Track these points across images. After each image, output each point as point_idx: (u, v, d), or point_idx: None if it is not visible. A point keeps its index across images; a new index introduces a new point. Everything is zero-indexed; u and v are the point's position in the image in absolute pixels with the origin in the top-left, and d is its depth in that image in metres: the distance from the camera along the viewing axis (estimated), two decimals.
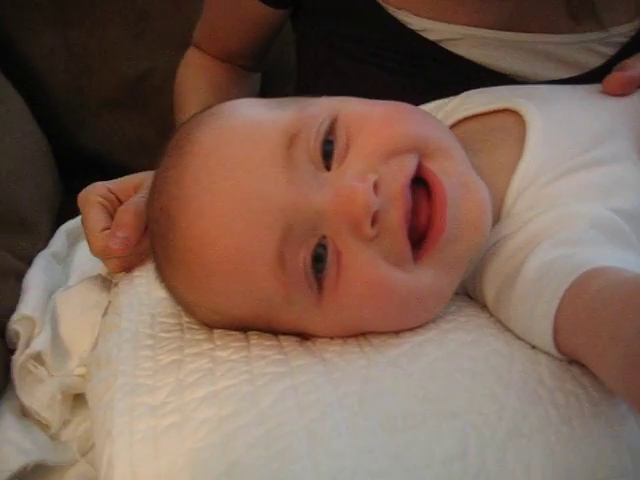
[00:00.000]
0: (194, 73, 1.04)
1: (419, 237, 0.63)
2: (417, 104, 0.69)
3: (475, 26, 0.84)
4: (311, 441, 0.54)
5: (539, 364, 0.59)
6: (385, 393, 0.58)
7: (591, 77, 0.81)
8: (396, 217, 0.61)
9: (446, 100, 0.79)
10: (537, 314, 0.58)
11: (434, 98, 0.80)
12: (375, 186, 0.60)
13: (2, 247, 0.88)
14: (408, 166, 0.62)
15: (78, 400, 0.75)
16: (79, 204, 0.85)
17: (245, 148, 0.63)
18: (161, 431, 0.59)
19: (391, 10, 0.86)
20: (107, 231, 0.81)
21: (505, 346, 0.61)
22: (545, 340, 0.57)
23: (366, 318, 0.64)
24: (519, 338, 0.62)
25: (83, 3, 1.11)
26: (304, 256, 0.61)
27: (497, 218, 0.68)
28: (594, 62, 0.84)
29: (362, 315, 0.63)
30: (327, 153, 0.63)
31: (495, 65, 0.84)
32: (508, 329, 0.64)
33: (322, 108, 0.65)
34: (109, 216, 0.83)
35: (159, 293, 0.77)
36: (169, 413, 0.60)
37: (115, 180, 0.87)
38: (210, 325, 0.71)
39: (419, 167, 0.63)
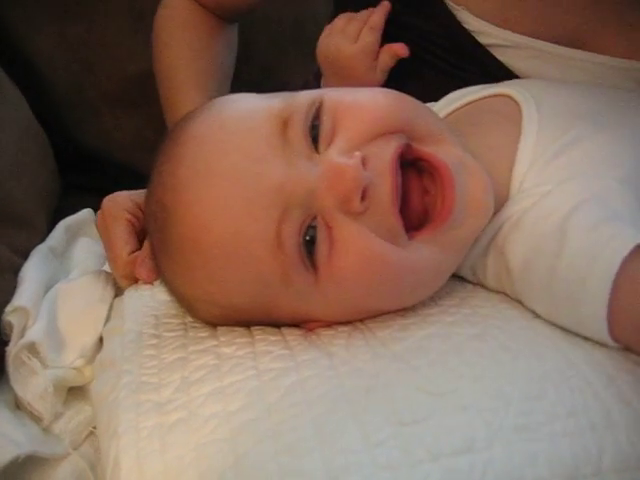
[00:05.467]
0: (179, 27, 1.01)
1: (416, 219, 0.64)
2: None
3: (534, 37, 0.82)
4: (320, 436, 0.55)
5: (544, 359, 0.59)
6: (392, 387, 0.58)
7: None
8: (386, 191, 0.61)
9: (431, 103, 0.79)
10: (591, 285, 0.58)
11: None
12: (363, 162, 0.61)
13: None
14: (395, 144, 0.63)
15: (71, 393, 0.76)
16: (104, 214, 0.84)
17: (240, 133, 0.63)
18: (168, 427, 0.59)
19: (450, 5, 0.85)
20: (135, 254, 0.80)
21: (511, 339, 0.61)
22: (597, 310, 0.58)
23: (362, 294, 0.64)
24: (524, 328, 0.63)
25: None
26: (299, 235, 0.62)
27: (504, 197, 0.69)
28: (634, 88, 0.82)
29: (358, 291, 0.63)
30: (314, 137, 0.63)
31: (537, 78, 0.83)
32: (514, 320, 0.64)
33: (309, 95, 0.66)
34: (135, 235, 0.82)
35: (163, 296, 0.77)
36: (175, 409, 0.61)
37: (140, 192, 0.83)
38: (212, 322, 0.71)
39: (414, 150, 0.64)
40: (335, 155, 0.62)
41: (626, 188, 0.64)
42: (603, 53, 0.81)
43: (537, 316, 0.65)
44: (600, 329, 0.58)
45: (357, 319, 0.67)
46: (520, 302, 0.67)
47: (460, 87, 0.80)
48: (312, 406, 0.57)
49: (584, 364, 0.58)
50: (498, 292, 0.70)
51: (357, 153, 0.61)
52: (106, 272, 0.88)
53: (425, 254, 0.63)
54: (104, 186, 1.02)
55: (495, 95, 0.76)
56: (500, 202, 0.68)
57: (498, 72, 0.83)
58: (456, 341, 0.62)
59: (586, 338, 0.61)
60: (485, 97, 0.76)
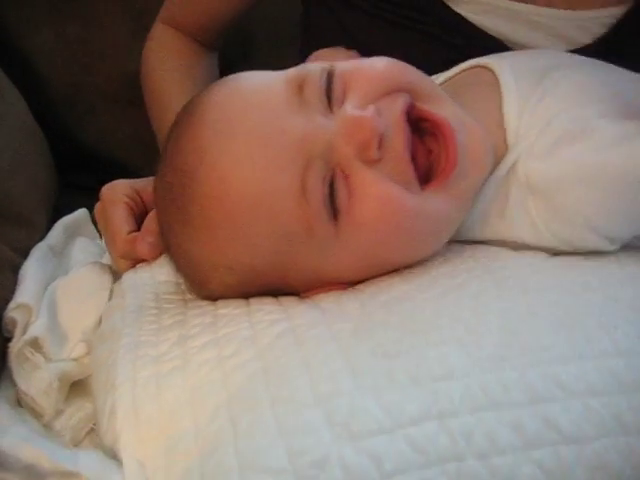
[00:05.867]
0: (166, 55, 1.05)
1: (423, 175, 0.67)
2: (418, 62, 0.73)
3: None
4: (308, 368, 0.57)
5: (518, 303, 0.62)
6: (376, 327, 0.61)
7: (581, 53, 0.85)
8: (399, 141, 0.66)
9: None
10: None
11: (436, 55, 0.85)
12: (377, 113, 0.65)
13: None
14: (402, 100, 0.68)
15: (72, 390, 0.76)
16: (104, 201, 0.87)
17: (258, 95, 0.68)
18: (164, 375, 0.62)
19: None
20: (134, 234, 0.83)
21: (493, 286, 0.65)
22: None
23: (380, 243, 0.66)
24: (509, 278, 0.66)
25: None
26: (322, 185, 0.65)
27: (504, 150, 0.73)
28: (585, 39, 0.87)
29: (376, 239, 0.66)
30: (329, 98, 0.68)
31: (494, 31, 0.88)
32: (499, 272, 0.67)
33: (319, 64, 0.71)
34: (134, 218, 0.85)
35: (162, 277, 0.80)
36: (171, 359, 0.63)
37: (139, 180, 0.88)
38: (221, 296, 0.72)
39: (417, 109, 0.68)
40: (350, 109, 0.66)
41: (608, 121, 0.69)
42: (549, 6, 0.86)
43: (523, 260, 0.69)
44: None
45: (370, 276, 0.70)
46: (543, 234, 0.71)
47: (423, 41, 0.85)
48: (301, 346, 0.60)
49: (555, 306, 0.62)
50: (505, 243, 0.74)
51: (371, 106, 0.66)
52: (102, 263, 0.90)
53: (437, 203, 0.67)
54: (102, 185, 1.03)
55: (466, 69, 0.81)
56: (501, 156, 0.72)
57: (456, 25, 0.88)
58: (439, 290, 0.65)
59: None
60: (457, 73, 0.81)
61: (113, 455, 0.60)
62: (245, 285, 0.71)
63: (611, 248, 0.70)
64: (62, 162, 1.13)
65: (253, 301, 0.70)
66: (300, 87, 0.68)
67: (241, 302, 0.70)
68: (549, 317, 0.60)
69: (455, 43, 0.86)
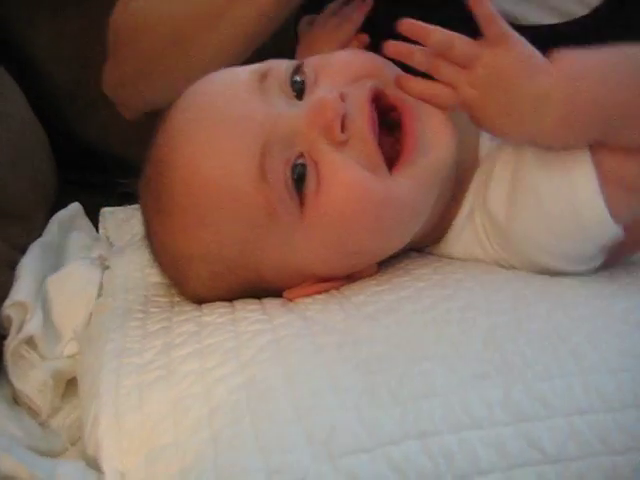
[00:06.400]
0: None
1: (390, 161, 0.68)
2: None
3: None
4: (290, 383, 0.57)
5: (507, 318, 0.62)
6: (361, 342, 0.60)
7: (576, 24, 0.85)
8: (363, 122, 0.67)
9: None
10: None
11: None
12: (341, 97, 0.67)
13: None
14: (370, 84, 0.69)
15: (69, 388, 0.76)
16: None
17: (224, 84, 0.71)
18: (147, 385, 0.61)
19: None
20: None
21: (482, 298, 0.64)
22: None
23: (346, 230, 0.67)
24: (500, 291, 0.66)
25: None
26: (284, 169, 0.66)
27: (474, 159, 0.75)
28: (580, 11, 0.86)
29: (342, 225, 0.67)
30: (299, 90, 0.70)
31: None
32: (485, 282, 0.67)
33: (285, 60, 0.73)
34: None
35: (153, 279, 0.80)
36: (155, 369, 0.63)
37: None
38: (201, 294, 0.73)
39: (384, 95, 0.70)
40: (316, 95, 0.68)
41: None
42: None
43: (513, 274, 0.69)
44: (598, 205, 0.65)
45: (339, 267, 0.71)
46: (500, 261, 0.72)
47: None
48: (284, 360, 0.59)
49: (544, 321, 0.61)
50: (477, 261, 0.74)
51: (335, 90, 0.67)
52: (92, 258, 0.91)
53: (403, 186, 0.67)
54: (102, 182, 1.03)
55: None
56: (472, 164, 0.74)
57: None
58: (427, 303, 0.64)
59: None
60: None
61: (95, 465, 0.60)
62: (221, 280, 0.71)
63: (581, 268, 0.70)
64: (63, 158, 1.13)
65: (238, 308, 0.69)
66: (264, 76, 0.70)
67: (226, 309, 0.70)
68: (536, 332, 0.60)
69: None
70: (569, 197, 0.66)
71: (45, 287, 0.84)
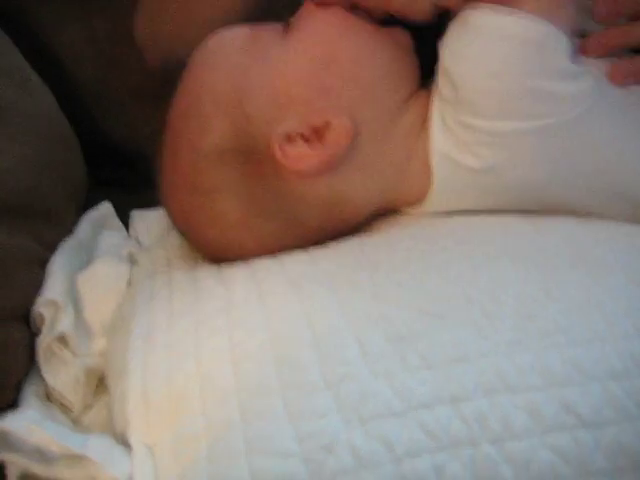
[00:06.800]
0: None
1: None
2: None
3: None
4: (319, 352, 0.57)
5: (537, 285, 0.61)
6: (390, 308, 0.59)
7: None
8: None
9: None
10: None
11: None
12: None
13: (27, 236, 0.86)
14: None
15: (101, 385, 0.76)
16: None
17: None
18: (173, 361, 0.61)
19: None
20: None
21: (511, 266, 0.63)
22: None
23: (327, 42, 0.73)
24: (526, 258, 0.65)
25: None
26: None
27: None
28: None
29: (323, 40, 0.73)
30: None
31: None
32: (517, 251, 0.66)
33: None
34: None
35: (178, 263, 0.80)
36: (182, 345, 0.63)
37: None
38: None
39: None
40: None
41: None
42: None
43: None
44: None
45: (316, 92, 0.72)
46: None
47: None
48: (313, 330, 0.59)
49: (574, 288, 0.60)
50: None
51: None
52: (120, 254, 0.91)
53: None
54: (132, 180, 1.03)
55: None
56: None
57: None
58: (455, 271, 0.64)
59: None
60: None
61: (123, 441, 0.59)
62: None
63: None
64: (92, 158, 1.09)
65: (263, 280, 0.68)
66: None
67: (250, 282, 0.69)
68: (568, 300, 0.59)
69: None
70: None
71: (75, 285, 0.84)
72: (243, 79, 0.73)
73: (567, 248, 0.66)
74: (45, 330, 0.77)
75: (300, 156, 0.71)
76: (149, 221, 1.03)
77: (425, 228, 0.73)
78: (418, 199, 0.76)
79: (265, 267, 0.71)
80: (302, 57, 0.73)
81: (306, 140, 0.72)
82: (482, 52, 0.68)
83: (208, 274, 0.74)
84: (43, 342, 0.76)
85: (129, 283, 0.84)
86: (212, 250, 0.77)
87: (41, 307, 0.78)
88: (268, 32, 0.75)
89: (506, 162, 0.70)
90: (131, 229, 1.03)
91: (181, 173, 0.76)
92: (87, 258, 0.93)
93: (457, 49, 0.70)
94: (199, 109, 0.75)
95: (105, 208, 1.03)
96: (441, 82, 0.72)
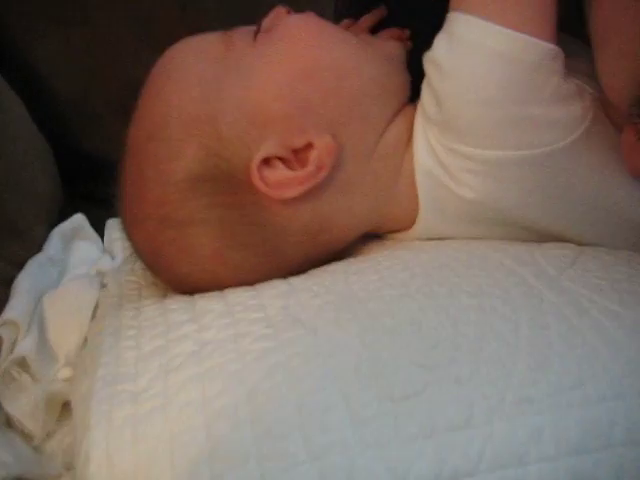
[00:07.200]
0: None
1: None
2: None
3: None
4: (302, 415, 0.50)
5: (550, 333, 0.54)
6: (382, 362, 0.53)
7: None
8: None
9: None
10: None
11: None
12: None
13: None
14: None
15: (64, 411, 0.72)
16: None
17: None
18: (141, 417, 0.55)
19: None
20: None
21: (509, 311, 0.57)
22: None
23: (299, 51, 0.68)
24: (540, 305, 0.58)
25: (86, 5, 1.10)
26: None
27: None
28: None
29: (294, 49, 0.68)
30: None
31: None
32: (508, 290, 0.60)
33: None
34: None
35: (148, 291, 0.75)
36: (151, 398, 0.56)
37: None
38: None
39: None
40: None
41: None
42: None
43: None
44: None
45: (293, 109, 0.66)
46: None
47: None
48: (295, 387, 0.53)
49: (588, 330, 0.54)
50: None
51: None
52: (91, 275, 0.87)
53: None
54: (109, 195, 1.01)
55: None
56: None
57: None
58: (452, 312, 0.57)
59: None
60: None
61: None
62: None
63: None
64: (67, 172, 1.11)
65: (239, 317, 0.62)
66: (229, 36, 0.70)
67: (225, 319, 0.62)
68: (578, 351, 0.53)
69: None
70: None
71: (41, 305, 0.81)
72: (215, 94, 0.66)
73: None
74: (3, 353, 0.74)
75: (281, 182, 0.65)
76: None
77: (417, 254, 0.68)
78: (407, 223, 0.71)
79: (241, 302, 0.64)
80: (279, 68, 0.66)
81: (286, 163, 0.65)
82: (473, 74, 0.62)
83: (179, 306, 0.67)
84: (1, 366, 0.73)
85: (96, 308, 0.79)
86: (184, 285, 0.70)
87: (0, 328, 0.76)
88: (241, 37, 0.68)
89: (493, 192, 0.65)
90: (106, 238, 1.01)
91: (148, 204, 0.68)
92: (57, 274, 0.91)
93: (444, 64, 0.64)
94: (166, 131, 0.67)
95: (76, 220, 1.02)
96: (425, 98, 0.67)
